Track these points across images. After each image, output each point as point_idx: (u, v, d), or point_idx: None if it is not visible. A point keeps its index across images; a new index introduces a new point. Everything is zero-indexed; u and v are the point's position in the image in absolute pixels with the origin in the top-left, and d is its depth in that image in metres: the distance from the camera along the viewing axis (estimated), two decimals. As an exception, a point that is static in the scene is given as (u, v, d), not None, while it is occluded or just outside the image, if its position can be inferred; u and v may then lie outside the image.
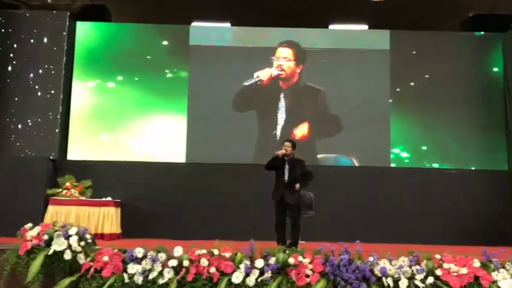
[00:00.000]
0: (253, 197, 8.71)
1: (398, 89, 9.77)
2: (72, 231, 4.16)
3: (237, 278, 3.82)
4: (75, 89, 9.66)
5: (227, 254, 3.97)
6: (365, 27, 10.55)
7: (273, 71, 9.71)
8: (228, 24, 10.50)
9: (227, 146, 9.55)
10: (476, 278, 3.83)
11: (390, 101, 9.73)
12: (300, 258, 3.90)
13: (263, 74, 9.69)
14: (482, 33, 10.04)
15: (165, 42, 9.96)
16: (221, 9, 10.28)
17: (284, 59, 9.79)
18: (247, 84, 9.65)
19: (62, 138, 9.33)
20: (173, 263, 3.90)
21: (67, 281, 3.95)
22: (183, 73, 9.80)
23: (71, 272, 4.04)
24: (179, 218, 9.05)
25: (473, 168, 9.53)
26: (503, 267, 3.90)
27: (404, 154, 9.64)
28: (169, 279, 3.85)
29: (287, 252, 3.97)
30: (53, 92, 9.19)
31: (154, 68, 9.80)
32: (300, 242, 6.04)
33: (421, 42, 9.94)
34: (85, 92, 9.69)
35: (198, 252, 3.99)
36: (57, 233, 4.12)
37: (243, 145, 9.57)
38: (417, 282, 3.75)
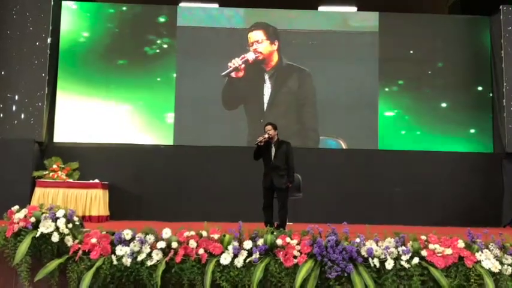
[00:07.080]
0: (240, 179, 8.76)
1: (386, 71, 9.78)
2: (60, 213, 4.13)
3: (225, 259, 3.84)
4: (61, 70, 9.52)
5: (215, 236, 3.98)
6: (354, 9, 10.51)
7: (250, 56, 9.65)
8: (216, 5, 10.37)
9: (215, 129, 9.53)
10: (461, 258, 3.89)
11: (379, 83, 9.74)
12: (288, 239, 3.92)
13: (238, 61, 9.63)
14: (470, 16, 10.05)
15: (152, 23, 9.80)
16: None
17: (257, 42, 9.75)
18: (224, 74, 9.58)
19: (49, 120, 9.23)
20: (161, 244, 3.91)
21: (55, 263, 3.94)
22: (171, 54, 9.69)
23: (59, 254, 4.03)
24: (167, 200, 9.06)
25: (460, 151, 9.62)
26: (487, 248, 3.97)
27: (391, 137, 9.69)
28: (157, 260, 3.86)
29: (275, 233, 3.99)
30: (40, 73, 9.02)
31: (141, 49, 9.68)
32: (287, 223, 6.09)
33: (410, 25, 9.93)
34: (71, 73, 9.54)
35: (186, 234, 3.99)
36: (44, 215, 4.10)
37: (231, 128, 9.55)
38: (403, 263, 3.80)
